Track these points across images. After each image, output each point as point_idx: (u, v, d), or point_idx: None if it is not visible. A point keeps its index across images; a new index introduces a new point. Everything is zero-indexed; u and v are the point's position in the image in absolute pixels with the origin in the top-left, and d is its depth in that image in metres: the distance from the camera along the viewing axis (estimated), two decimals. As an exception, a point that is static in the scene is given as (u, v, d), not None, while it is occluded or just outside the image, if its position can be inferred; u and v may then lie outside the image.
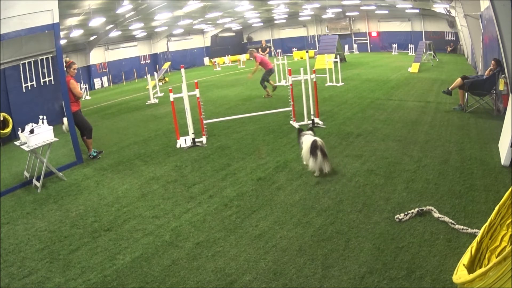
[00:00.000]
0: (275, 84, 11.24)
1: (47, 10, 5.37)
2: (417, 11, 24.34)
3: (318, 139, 4.52)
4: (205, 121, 6.56)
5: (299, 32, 32.97)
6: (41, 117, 5.09)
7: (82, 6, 14.28)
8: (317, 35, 31.48)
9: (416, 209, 3.34)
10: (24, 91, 5.77)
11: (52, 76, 5.88)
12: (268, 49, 20.61)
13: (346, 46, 28.41)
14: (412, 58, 16.56)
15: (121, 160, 5.90)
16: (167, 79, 20.37)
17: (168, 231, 3.45)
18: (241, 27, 33.06)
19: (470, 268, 2.11)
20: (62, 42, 17.51)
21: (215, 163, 5.29)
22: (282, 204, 3.80)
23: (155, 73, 15.51)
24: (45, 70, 5.81)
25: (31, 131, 4.82)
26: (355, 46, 29.54)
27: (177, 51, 28.59)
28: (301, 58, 25.85)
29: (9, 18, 4.92)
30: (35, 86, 5.78)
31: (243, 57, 27.05)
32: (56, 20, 5.50)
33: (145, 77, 21.65)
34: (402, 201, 3.61)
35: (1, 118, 5.47)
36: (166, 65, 18.72)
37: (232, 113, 8.15)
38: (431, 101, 8.42)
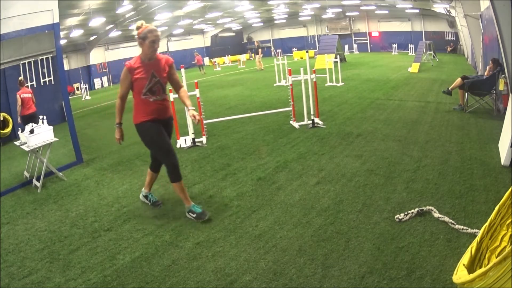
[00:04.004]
0: None
1: (47, 10, 5.36)
2: (417, 11, 24.37)
3: None
4: (205, 121, 6.56)
5: (299, 32, 33.01)
6: (41, 117, 5.10)
7: (82, 6, 14.30)
8: (317, 35, 31.53)
9: (416, 209, 3.34)
10: (24, 91, 5.76)
11: (52, 76, 5.88)
12: (260, 50, 20.91)
13: (346, 46, 28.44)
14: (412, 58, 16.58)
15: (121, 160, 5.90)
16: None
17: (168, 231, 3.45)
18: (241, 27, 33.07)
19: (470, 268, 2.11)
20: (62, 42, 17.49)
21: (215, 163, 5.29)
22: (282, 204, 3.80)
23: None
24: (45, 70, 5.81)
25: (31, 131, 4.82)
26: (355, 46, 29.58)
27: (177, 51, 28.61)
28: (301, 58, 25.87)
29: (9, 18, 4.92)
30: (35, 86, 5.78)
31: (243, 57, 27.06)
32: (56, 20, 5.50)
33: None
34: (402, 201, 3.61)
35: (1, 118, 5.47)
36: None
37: (232, 113, 8.16)
38: (431, 101, 8.42)
